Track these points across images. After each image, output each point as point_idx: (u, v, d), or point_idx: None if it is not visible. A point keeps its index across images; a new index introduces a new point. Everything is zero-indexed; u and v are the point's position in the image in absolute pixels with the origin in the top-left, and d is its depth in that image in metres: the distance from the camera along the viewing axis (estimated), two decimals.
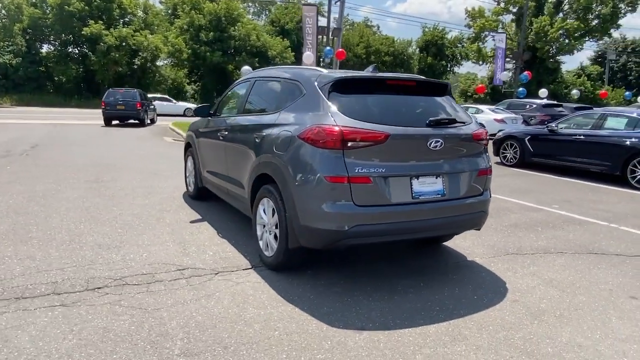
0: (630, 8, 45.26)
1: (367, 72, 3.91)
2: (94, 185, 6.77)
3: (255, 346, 2.62)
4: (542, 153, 10.01)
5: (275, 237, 3.66)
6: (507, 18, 50.44)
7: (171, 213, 5.37)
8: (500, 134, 11.35)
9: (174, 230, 4.73)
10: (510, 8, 49.80)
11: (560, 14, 48.01)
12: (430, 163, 3.42)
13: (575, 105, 21.13)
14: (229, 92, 5.40)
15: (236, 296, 3.26)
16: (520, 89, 25.37)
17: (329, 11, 19.95)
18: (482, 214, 3.75)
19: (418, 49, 40.30)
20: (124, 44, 32.82)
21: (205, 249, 4.19)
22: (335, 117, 3.25)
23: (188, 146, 6.21)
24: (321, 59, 19.53)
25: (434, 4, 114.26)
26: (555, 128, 9.82)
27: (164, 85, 35.93)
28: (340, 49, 19.67)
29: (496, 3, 49.67)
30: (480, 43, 50.36)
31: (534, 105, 18.84)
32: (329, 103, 3.35)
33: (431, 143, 3.34)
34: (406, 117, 3.49)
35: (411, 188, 3.33)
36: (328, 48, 19.71)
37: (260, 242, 3.91)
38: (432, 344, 2.73)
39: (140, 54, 34.12)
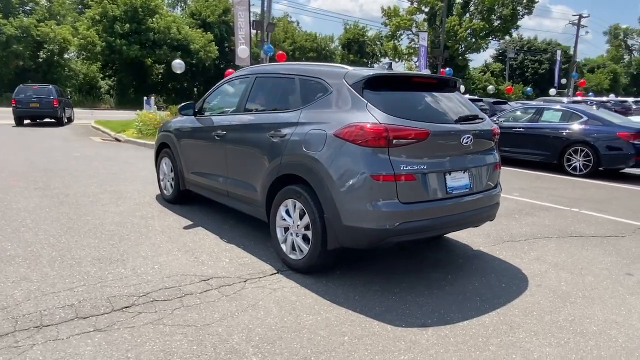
0: (527, 10, 49.85)
1: (383, 69, 3.92)
2: (48, 192, 6.08)
3: (335, 354, 2.54)
4: None
5: (305, 239, 3.56)
6: (420, 17, 53.01)
7: (157, 220, 4.99)
8: None
9: (171, 237, 4.40)
10: (423, 8, 52.47)
11: (467, 15, 51.38)
12: (459, 158, 3.52)
13: (492, 100, 22.90)
14: (218, 90, 5.12)
15: (282, 304, 3.12)
16: None
17: (262, 6, 19.61)
18: (497, 205, 3.94)
19: (341, 46, 41.05)
20: (26, 35, 29.65)
21: (218, 256, 3.96)
22: (375, 114, 3.22)
23: (162, 147, 5.79)
24: (260, 56, 19.13)
25: (346, 2, 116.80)
26: (497, 122, 10.56)
27: (75, 80, 33.07)
28: (281, 52, 19.47)
29: (410, 2, 52.02)
30: (396, 41, 52.63)
31: None
32: (365, 100, 3.31)
33: (464, 139, 3.45)
34: (436, 114, 3.55)
35: (445, 183, 3.41)
36: (268, 45, 19.38)
37: (283, 246, 3.77)
38: (495, 333, 2.83)
39: (45, 46, 31.05)
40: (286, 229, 3.78)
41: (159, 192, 6.20)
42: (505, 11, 49.57)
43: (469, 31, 49.35)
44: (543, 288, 3.56)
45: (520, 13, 50.45)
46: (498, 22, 50.87)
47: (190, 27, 35.79)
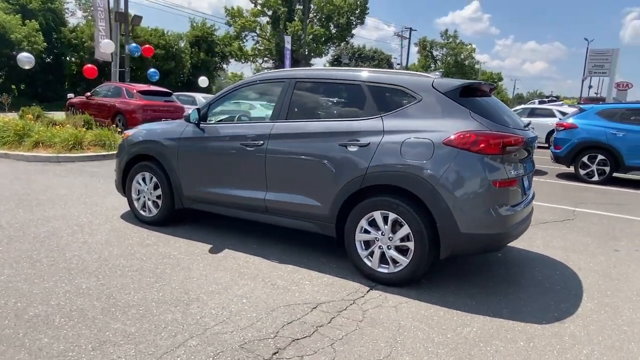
0: (359, 21, 54.78)
1: (437, 76, 4.00)
2: None
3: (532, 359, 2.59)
4: None
5: (401, 250, 3.47)
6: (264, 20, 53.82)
7: (165, 246, 4.21)
8: None
9: (213, 265, 3.79)
10: (266, 11, 53.45)
11: (308, 21, 53.95)
12: (525, 162, 3.82)
13: None
14: (229, 95, 4.52)
15: (424, 321, 3.00)
16: None
17: None
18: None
19: (189, 44, 39.05)
20: None
21: (293, 279, 3.58)
22: (482, 122, 3.31)
23: (136, 161, 4.88)
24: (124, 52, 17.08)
25: None
26: None
27: None
28: (148, 46, 17.79)
29: (253, 4, 52.48)
30: (240, 42, 52.60)
31: None
32: (467, 109, 3.38)
33: (534, 145, 3.77)
34: (511, 121, 3.75)
35: (524, 186, 3.69)
36: (135, 45, 17.50)
37: (367, 260, 3.60)
38: (613, 316, 3.21)
39: None
40: (367, 243, 3.62)
41: (115, 212, 5.26)
42: (341, 20, 53.53)
43: (311, 37, 51.90)
44: (584, 271, 4.12)
45: (354, 23, 55.16)
46: (335, 29, 54.69)
47: (5, 13, 29.97)
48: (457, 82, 3.52)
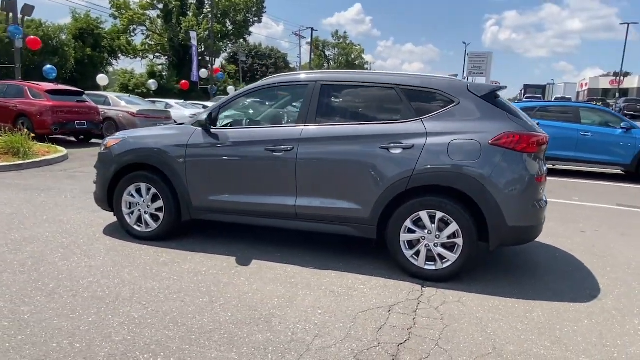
0: (257, 19, 54.40)
1: (459, 79, 4.22)
2: None
3: (612, 333, 2.91)
4: None
5: (448, 247, 3.62)
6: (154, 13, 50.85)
7: (184, 263, 3.87)
8: None
9: (256, 279, 3.59)
10: (156, 3, 50.57)
11: (202, 17, 52.15)
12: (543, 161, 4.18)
13: None
14: (242, 98, 4.27)
15: (496, 312, 3.19)
16: (213, 86, 27.10)
17: None
18: None
19: (72, 37, 35.20)
20: None
21: (348, 285, 3.54)
22: (518, 123, 3.60)
23: (126, 171, 4.39)
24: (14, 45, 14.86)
25: None
26: None
27: None
28: (34, 37, 15.82)
29: None
30: (129, 36, 49.12)
31: None
32: (504, 111, 3.64)
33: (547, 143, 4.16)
34: (528, 120, 4.07)
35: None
36: (13, 26, 15.30)
37: (413, 259, 3.69)
38: (629, 290, 3.70)
39: None
40: (411, 242, 3.71)
41: (93, 230, 4.72)
42: (238, 17, 52.66)
43: (207, 32, 50.21)
44: (576, 252, 4.65)
45: (251, 20, 54.62)
46: (232, 26, 53.64)
47: None
48: (490, 86, 3.77)
